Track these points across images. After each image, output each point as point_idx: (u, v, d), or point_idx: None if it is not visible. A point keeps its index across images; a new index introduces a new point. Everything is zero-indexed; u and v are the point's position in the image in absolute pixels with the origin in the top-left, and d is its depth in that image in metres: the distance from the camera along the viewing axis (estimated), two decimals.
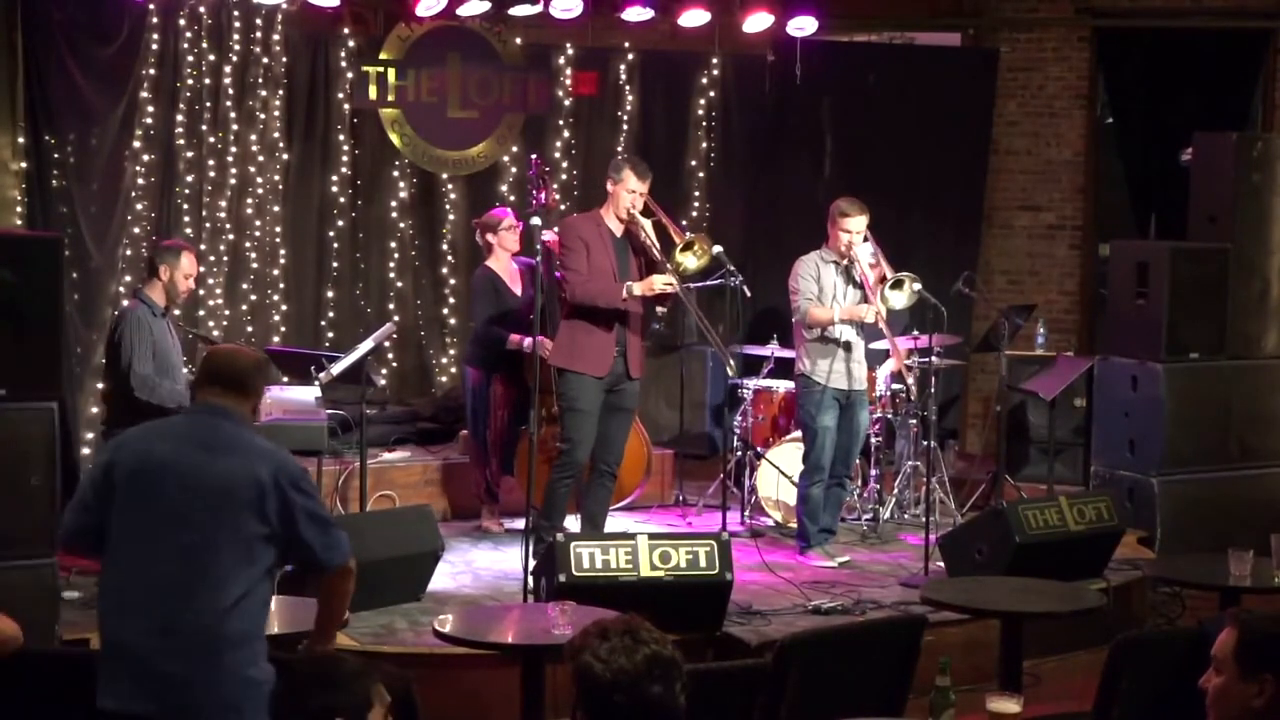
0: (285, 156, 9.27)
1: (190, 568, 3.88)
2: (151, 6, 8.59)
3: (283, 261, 9.29)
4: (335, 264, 9.54)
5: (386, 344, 9.01)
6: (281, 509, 3.96)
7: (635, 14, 9.26)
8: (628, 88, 10.17)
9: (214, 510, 3.91)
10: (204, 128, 8.92)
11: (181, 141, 8.83)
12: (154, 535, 3.91)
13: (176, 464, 3.94)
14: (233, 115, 9.02)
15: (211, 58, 8.93)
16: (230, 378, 4.10)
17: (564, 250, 7.11)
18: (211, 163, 8.96)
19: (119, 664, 3.89)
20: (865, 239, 7.57)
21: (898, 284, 7.42)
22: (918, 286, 7.43)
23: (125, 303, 7.76)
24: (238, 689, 3.86)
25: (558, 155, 9.94)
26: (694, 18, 9.40)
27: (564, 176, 9.93)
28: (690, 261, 7.18)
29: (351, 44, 9.46)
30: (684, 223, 10.28)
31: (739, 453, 8.64)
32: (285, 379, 7.81)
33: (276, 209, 9.23)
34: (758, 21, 9.44)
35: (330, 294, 9.54)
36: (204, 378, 4.13)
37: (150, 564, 3.89)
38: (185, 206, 8.87)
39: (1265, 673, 3.10)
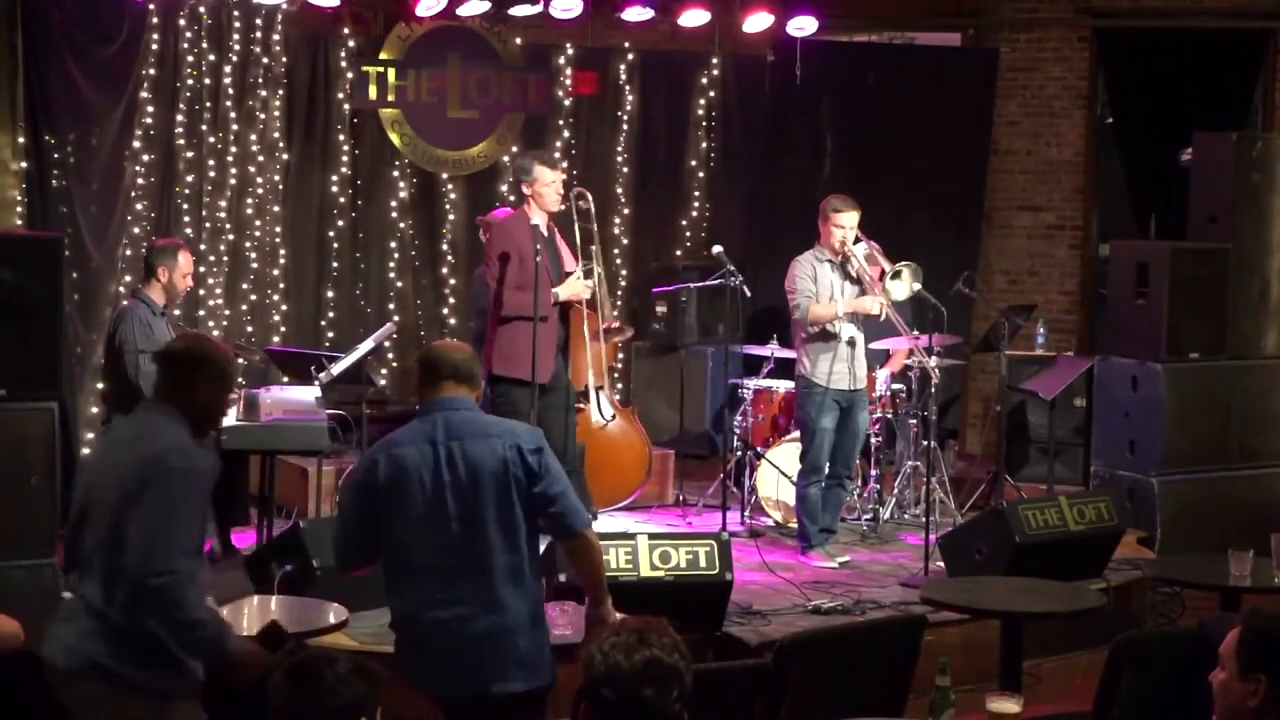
0: (285, 156, 9.27)
1: (473, 550, 4.13)
2: (151, 6, 8.58)
3: (283, 261, 9.29)
4: (335, 264, 9.54)
5: (386, 344, 9.01)
6: (528, 476, 4.17)
7: (635, 14, 9.25)
8: (628, 88, 10.18)
9: (475, 493, 4.13)
10: (204, 128, 8.92)
11: (181, 141, 8.82)
12: (430, 532, 4.13)
13: (428, 459, 4.16)
14: (233, 115, 9.01)
15: (211, 58, 8.92)
16: (459, 371, 4.34)
17: (494, 256, 7.07)
18: (211, 163, 8.95)
19: (433, 648, 4.13)
20: (857, 240, 7.57)
21: (896, 274, 7.42)
22: (918, 285, 7.42)
23: (124, 302, 7.76)
24: (538, 651, 4.20)
25: (558, 155, 9.92)
26: (694, 18, 9.40)
27: (564, 177, 9.90)
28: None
29: (351, 44, 9.46)
30: (684, 223, 10.30)
31: (739, 453, 8.64)
32: (285, 379, 7.82)
33: (276, 209, 9.23)
34: (758, 21, 9.43)
35: (330, 294, 9.54)
36: (433, 374, 4.32)
37: (442, 556, 4.14)
38: (185, 206, 8.86)
39: (1259, 673, 3.10)
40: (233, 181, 9.03)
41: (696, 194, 10.41)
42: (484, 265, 8.12)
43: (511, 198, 9.69)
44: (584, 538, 4.32)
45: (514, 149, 9.86)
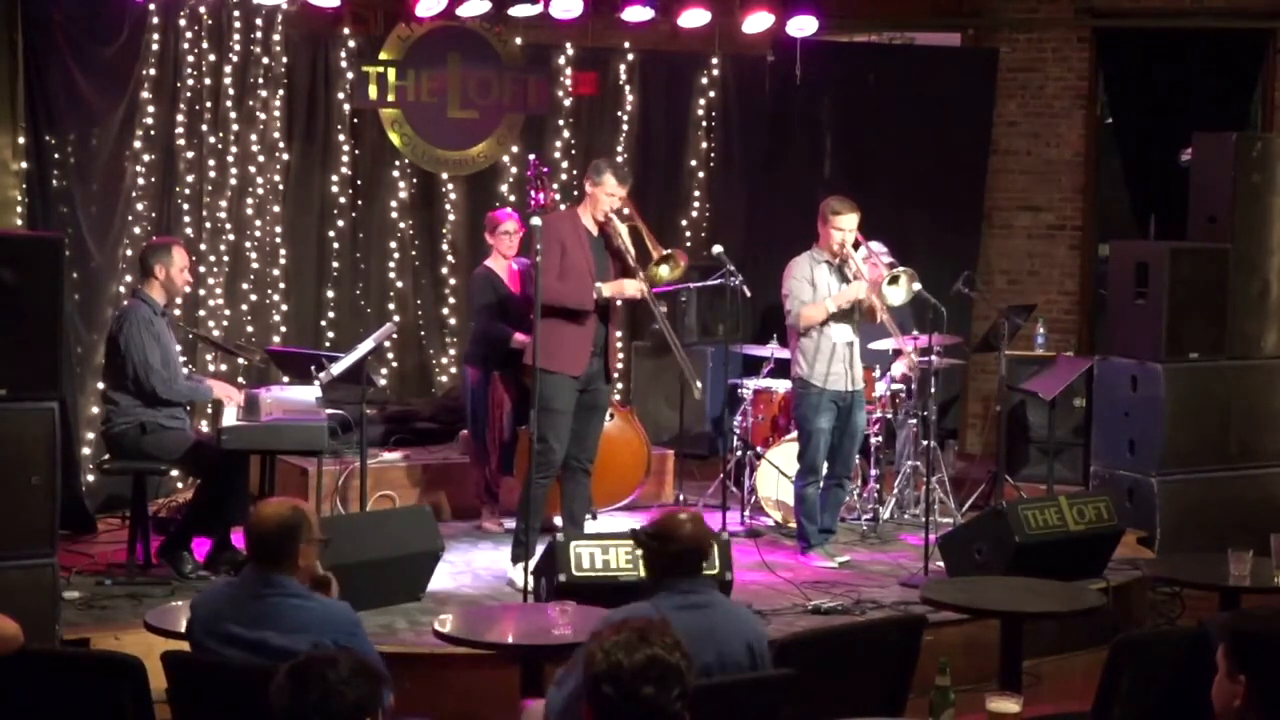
0: (285, 156, 9.27)
1: None
2: (151, 6, 8.57)
3: (283, 261, 9.28)
4: (335, 264, 9.54)
5: (386, 344, 9.01)
6: None
7: (635, 14, 9.26)
8: (628, 88, 10.17)
9: None
10: (204, 128, 8.91)
11: (181, 141, 8.82)
12: None
13: None
14: (233, 115, 9.01)
15: (211, 58, 8.92)
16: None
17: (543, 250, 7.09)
18: (211, 163, 8.95)
19: None
20: (858, 244, 7.56)
21: (894, 280, 7.42)
22: (917, 286, 7.42)
23: (125, 302, 7.75)
24: None
25: (558, 155, 9.94)
26: (694, 18, 9.41)
27: (564, 176, 9.92)
28: (664, 272, 7.17)
29: (351, 44, 9.46)
30: (684, 223, 10.32)
31: (739, 453, 8.64)
32: (285, 379, 7.82)
33: (276, 209, 9.23)
34: (758, 21, 9.44)
35: (330, 294, 9.53)
36: None
37: None
38: (185, 206, 8.86)
39: (1241, 674, 3.12)
40: (233, 181, 9.03)
41: (696, 194, 10.40)
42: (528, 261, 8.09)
43: (512, 198, 9.70)
44: None
45: (514, 149, 9.86)
